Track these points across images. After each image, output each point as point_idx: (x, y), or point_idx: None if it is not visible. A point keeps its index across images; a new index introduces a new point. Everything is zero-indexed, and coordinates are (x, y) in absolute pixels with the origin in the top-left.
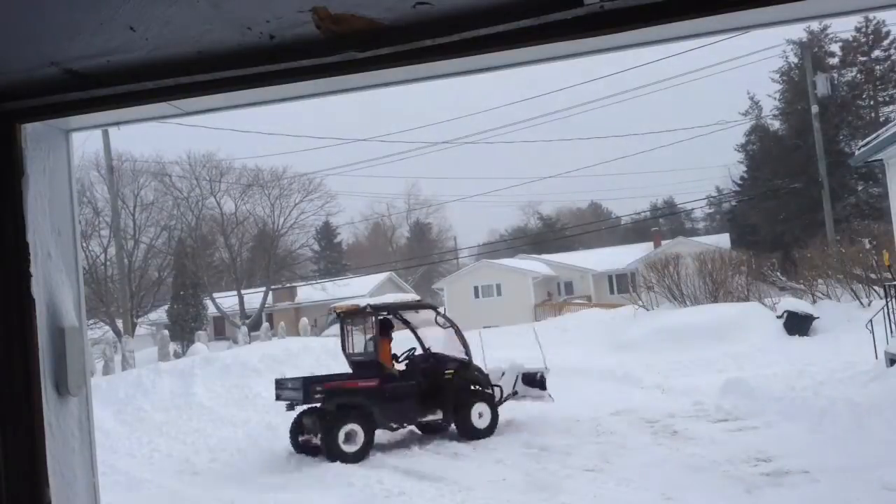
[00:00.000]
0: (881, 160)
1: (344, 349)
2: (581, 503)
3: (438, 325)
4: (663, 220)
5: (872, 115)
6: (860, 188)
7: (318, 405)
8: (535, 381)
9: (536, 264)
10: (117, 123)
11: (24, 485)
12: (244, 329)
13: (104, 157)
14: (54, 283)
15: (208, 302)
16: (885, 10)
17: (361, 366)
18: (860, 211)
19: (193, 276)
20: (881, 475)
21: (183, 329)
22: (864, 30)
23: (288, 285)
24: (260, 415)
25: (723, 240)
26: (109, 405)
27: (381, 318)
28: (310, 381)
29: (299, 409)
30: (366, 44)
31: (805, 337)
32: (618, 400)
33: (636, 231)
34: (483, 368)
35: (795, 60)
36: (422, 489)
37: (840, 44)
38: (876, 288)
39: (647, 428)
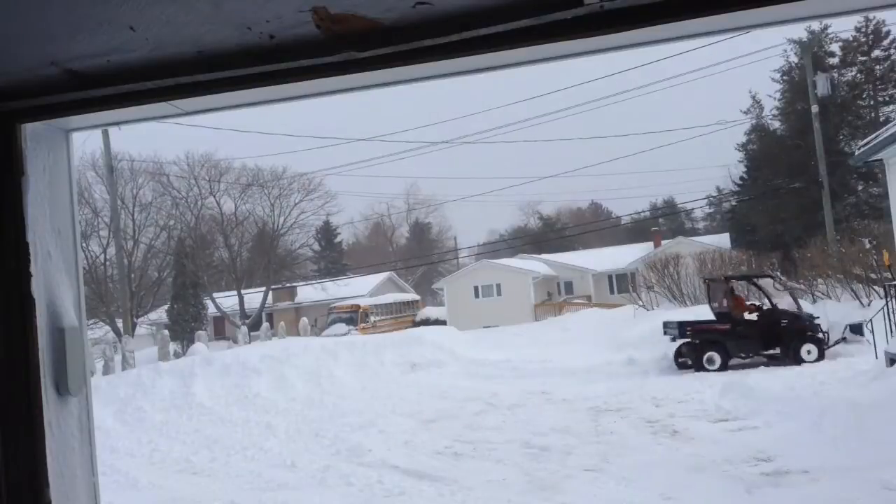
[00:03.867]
0: (881, 160)
1: (709, 304)
2: (581, 503)
3: (776, 289)
4: (663, 220)
5: (872, 115)
6: (860, 188)
7: (691, 339)
8: (858, 329)
9: (536, 264)
10: (117, 123)
11: (24, 485)
12: (244, 329)
13: (103, 157)
14: (54, 283)
15: (208, 302)
16: (885, 9)
17: (720, 315)
18: (860, 211)
19: (193, 276)
20: (881, 475)
21: (183, 329)
22: (864, 30)
23: (288, 285)
24: (259, 415)
25: (723, 240)
26: (109, 405)
27: (734, 282)
28: (684, 324)
29: (679, 341)
30: (366, 44)
31: None
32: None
33: (636, 231)
34: (813, 317)
35: (796, 60)
36: (422, 489)
37: (840, 44)
38: (876, 288)
39: (646, 428)
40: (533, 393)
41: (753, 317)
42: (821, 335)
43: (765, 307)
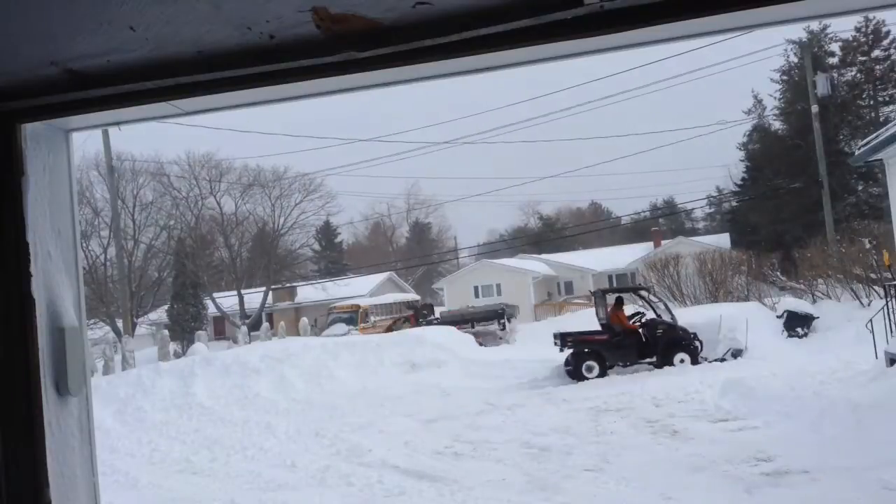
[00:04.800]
0: (881, 160)
1: (597, 315)
2: (581, 503)
3: (651, 301)
4: (663, 220)
5: (872, 115)
6: (860, 188)
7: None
8: (739, 354)
9: (536, 264)
10: (117, 123)
11: (24, 485)
12: (244, 329)
13: (104, 157)
14: (54, 283)
15: (208, 302)
16: (885, 9)
17: (603, 326)
18: (860, 211)
19: (193, 276)
20: (881, 475)
21: (183, 329)
22: (864, 30)
23: (288, 285)
24: (259, 415)
25: (723, 240)
26: (109, 405)
27: (616, 295)
28: (564, 335)
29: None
30: (366, 44)
31: (805, 337)
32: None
33: (636, 231)
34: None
35: (795, 60)
36: (422, 489)
37: (840, 44)
38: (876, 288)
39: (646, 428)
40: (533, 393)
41: (637, 326)
42: (694, 346)
43: (645, 318)
